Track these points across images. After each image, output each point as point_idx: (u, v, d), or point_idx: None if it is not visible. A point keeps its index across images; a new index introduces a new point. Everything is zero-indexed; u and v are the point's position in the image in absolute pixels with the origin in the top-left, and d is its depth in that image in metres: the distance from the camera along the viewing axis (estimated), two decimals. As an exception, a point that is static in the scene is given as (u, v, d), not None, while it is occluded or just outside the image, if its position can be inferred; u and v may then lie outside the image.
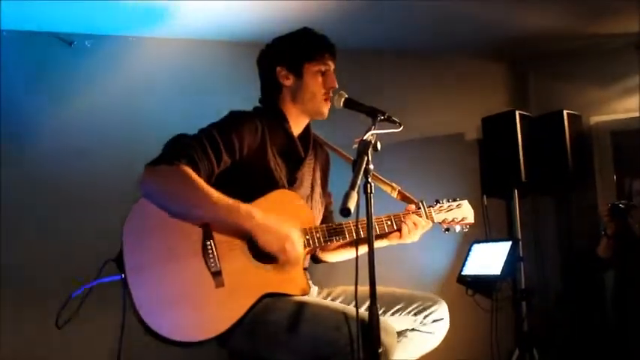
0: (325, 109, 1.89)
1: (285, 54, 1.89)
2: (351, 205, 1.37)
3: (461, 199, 2.06)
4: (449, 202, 2.03)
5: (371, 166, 1.51)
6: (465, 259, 3.45)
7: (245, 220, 1.61)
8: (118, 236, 1.59)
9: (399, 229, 1.92)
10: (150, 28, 3.13)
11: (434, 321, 1.86)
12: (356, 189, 1.41)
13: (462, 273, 3.39)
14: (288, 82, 1.88)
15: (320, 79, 1.87)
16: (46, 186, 2.90)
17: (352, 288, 1.84)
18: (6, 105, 2.88)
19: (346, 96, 1.82)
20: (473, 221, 2.06)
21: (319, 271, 2.17)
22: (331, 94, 1.87)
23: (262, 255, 1.71)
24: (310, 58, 1.85)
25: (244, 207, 1.63)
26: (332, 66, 1.89)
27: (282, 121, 1.89)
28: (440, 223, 2.03)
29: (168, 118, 3.06)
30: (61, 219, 2.89)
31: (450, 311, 1.90)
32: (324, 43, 1.88)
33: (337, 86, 1.88)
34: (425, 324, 1.86)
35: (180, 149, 1.64)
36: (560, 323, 3.86)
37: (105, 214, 2.75)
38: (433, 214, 1.99)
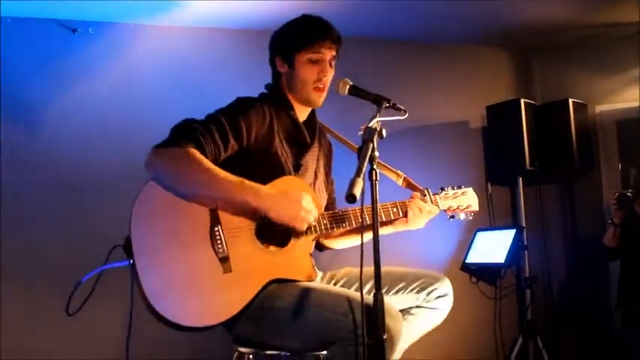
0: (317, 98, 1.89)
1: (280, 43, 1.92)
2: (357, 191, 1.38)
3: (466, 187, 2.07)
4: (454, 189, 2.05)
5: (376, 153, 1.52)
6: (469, 247, 3.45)
7: (254, 196, 1.63)
8: (123, 223, 1.61)
9: (405, 216, 1.94)
10: (154, 15, 3.12)
11: (438, 297, 1.87)
12: (361, 176, 1.42)
13: (466, 261, 3.40)
14: (283, 70, 1.91)
15: (311, 68, 1.86)
16: (50, 173, 2.91)
17: (355, 269, 1.86)
18: (9, 92, 2.88)
19: (351, 83, 1.82)
20: (477, 209, 2.07)
21: (324, 256, 2.19)
22: (325, 83, 1.88)
23: (270, 238, 1.73)
24: (301, 48, 1.86)
25: (251, 184, 1.64)
26: (327, 55, 1.87)
27: (288, 107, 1.91)
28: (445, 210, 2.04)
29: (172, 106, 3.06)
30: (64, 206, 2.91)
31: (454, 298, 1.91)
32: (316, 31, 1.87)
33: (327, 75, 1.88)
34: (429, 300, 1.87)
35: (188, 132, 1.66)
36: (565, 311, 3.88)
37: (109, 201, 2.80)
38: (439, 201, 2.01)
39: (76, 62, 3.05)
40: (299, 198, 1.66)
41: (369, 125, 1.57)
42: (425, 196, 1.99)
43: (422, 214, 1.94)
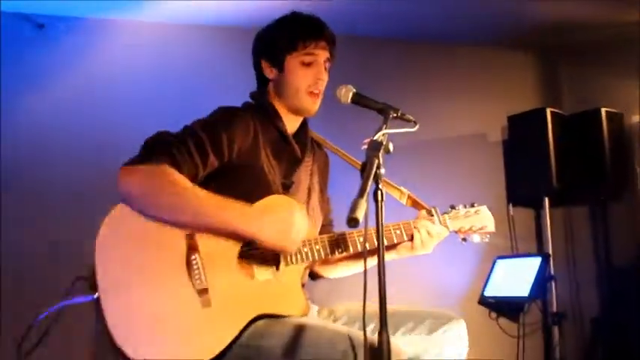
0: (311, 106, 1.90)
1: (266, 46, 1.92)
2: (360, 214, 1.36)
3: (479, 205, 2.05)
4: (465, 207, 2.03)
5: (382, 171, 1.50)
6: (488, 278, 3.45)
7: (238, 217, 1.63)
8: (91, 248, 1.58)
9: (410, 239, 1.91)
10: (130, 10, 3.14)
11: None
12: (365, 196, 1.40)
13: (485, 293, 3.39)
14: (272, 75, 1.92)
15: (304, 71, 1.87)
16: (13, 182, 2.89)
17: (356, 306, 1.86)
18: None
19: (354, 90, 1.81)
20: (493, 229, 2.05)
21: (320, 288, 2.16)
22: (321, 88, 1.88)
23: (255, 266, 1.71)
24: (291, 49, 1.86)
25: (234, 203, 1.64)
26: (322, 56, 1.89)
27: (275, 118, 1.91)
28: (456, 231, 2.02)
29: (150, 108, 3.10)
30: (27, 219, 2.89)
31: (470, 337, 1.89)
32: (309, 30, 1.88)
33: (324, 78, 1.88)
34: (440, 345, 1.84)
35: (161, 148, 1.66)
36: (597, 351, 3.84)
37: (78, 217, 2.74)
38: (448, 221, 1.99)
39: (43, 62, 3.07)
40: (290, 216, 1.66)
41: (374, 138, 1.55)
42: (432, 215, 1.96)
43: (429, 237, 1.91)
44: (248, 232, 1.63)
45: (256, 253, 1.75)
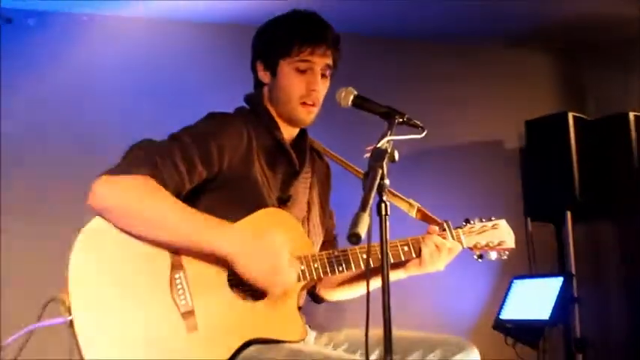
0: (305, 116, 1.91)
1: (261, 46, 1.94)
2: (362, 229, 1.37)
3: (497, 219, 2.06)
4: (482, 221, 2.03)
5: (386, 181, 1.50)
6: (504, 300, 3.44)
7: (222, 241, 1.63)
8: (63, 266, 1.58)
9: (419, 256, 1.92)
10: (107, 4, 3.16)
11: None
12: (367, 210, 1.40)
13: (501, 317, 3.39)
14: (266, 78, 1.94)
15: (297, 79, 1.88)
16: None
17: (358, 332, 1.83)
18: None
19: (355, 93, 1.81)
20: (513, 246, 2.05)
21: (319, 311, 2.17)
22: (315, 99, 1.89)
23: (247, 286, 1.71)
24: (285, 54, 1.87)
25: (224, 226, 1.65)
26: (319, 63, 1.88)
27: (271, 124, 1.92)
28: (471, 248, 2.02)
29: (128, 111, 3.10)
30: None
31: (484, 365, 1.90)
32: (306, 34, 1.88)
33: (317, 89, 1.89)
34: None
35: (144, 158, 1.66)
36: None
37: (50, 232, 2.77)
38: (462, 236, 1.99)
39: (11, 60, 3.07)
40: (278, 259, 1.66)
41: (378, 146, 1.56)
42: (444, 230, 1.98)
43: (440, 254, 1.91)
44: (230, 262, 1.64)
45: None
